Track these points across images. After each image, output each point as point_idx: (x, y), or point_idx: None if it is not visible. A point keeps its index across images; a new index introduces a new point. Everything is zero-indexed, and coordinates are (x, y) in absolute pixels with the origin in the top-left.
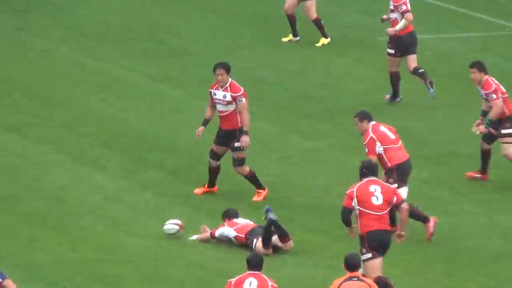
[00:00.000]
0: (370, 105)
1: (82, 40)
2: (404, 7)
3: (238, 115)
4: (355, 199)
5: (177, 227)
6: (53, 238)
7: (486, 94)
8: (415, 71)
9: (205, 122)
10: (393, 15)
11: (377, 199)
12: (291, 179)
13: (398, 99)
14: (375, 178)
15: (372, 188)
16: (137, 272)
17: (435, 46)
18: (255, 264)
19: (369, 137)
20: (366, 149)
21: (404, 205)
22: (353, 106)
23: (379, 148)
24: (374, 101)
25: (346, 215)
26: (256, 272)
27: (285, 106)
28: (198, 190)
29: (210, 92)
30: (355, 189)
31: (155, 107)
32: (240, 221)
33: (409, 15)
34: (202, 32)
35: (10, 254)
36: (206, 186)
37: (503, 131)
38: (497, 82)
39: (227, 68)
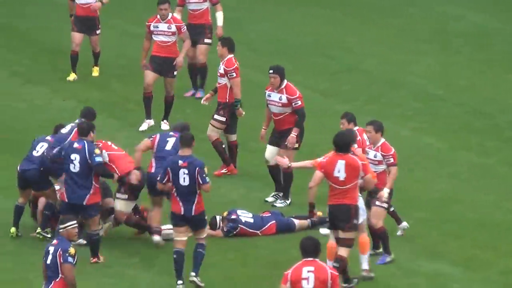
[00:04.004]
0: None
1: (251, 55)
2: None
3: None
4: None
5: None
6: (221, 253)
7: None
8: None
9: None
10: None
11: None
12: (460, 194)
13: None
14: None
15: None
16: None
17: None
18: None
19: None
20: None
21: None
22: None
23: None
24: None
25: None
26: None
27: (455, 122)
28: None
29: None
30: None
31: (326, 122)
32: None
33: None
34: (374, 48)
35: None
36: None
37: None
38: None
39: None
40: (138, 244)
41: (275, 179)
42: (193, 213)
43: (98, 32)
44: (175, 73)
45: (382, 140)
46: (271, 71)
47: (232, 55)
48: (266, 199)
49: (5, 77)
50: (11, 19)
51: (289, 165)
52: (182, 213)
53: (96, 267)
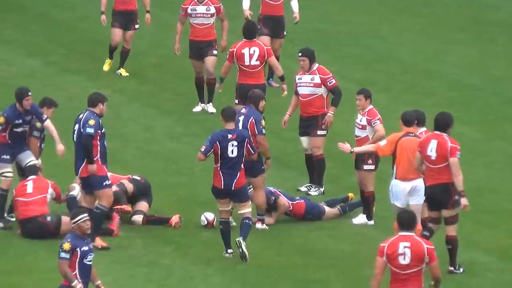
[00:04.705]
0: None
1: (288, 45)
2: None
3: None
4: None
5: (205, 221)
6: (256, 242)
7: None
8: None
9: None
10: None
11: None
12: (495, 184)
13: None
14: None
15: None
16: (342, 277)
17: None
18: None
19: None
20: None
21: None
22: None
23: None
24: None
25: None
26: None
27: (491, 111)
28: None
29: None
30: None
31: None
32: None
33: None
34: (408, 37)
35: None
36: None
37: None
38: None
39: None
40: (172, 233)
41: (310, 169)
42: (233, 188)
43: (137, 26)
44: (215, 52)
45: (423, 128)
46: (299, 54)
47: (243, 40)
48: (299, 188)
49: (41, 66)
50: (49, 9)
51: (352, 150)
52: (222, 187)
53: (130, 256)
